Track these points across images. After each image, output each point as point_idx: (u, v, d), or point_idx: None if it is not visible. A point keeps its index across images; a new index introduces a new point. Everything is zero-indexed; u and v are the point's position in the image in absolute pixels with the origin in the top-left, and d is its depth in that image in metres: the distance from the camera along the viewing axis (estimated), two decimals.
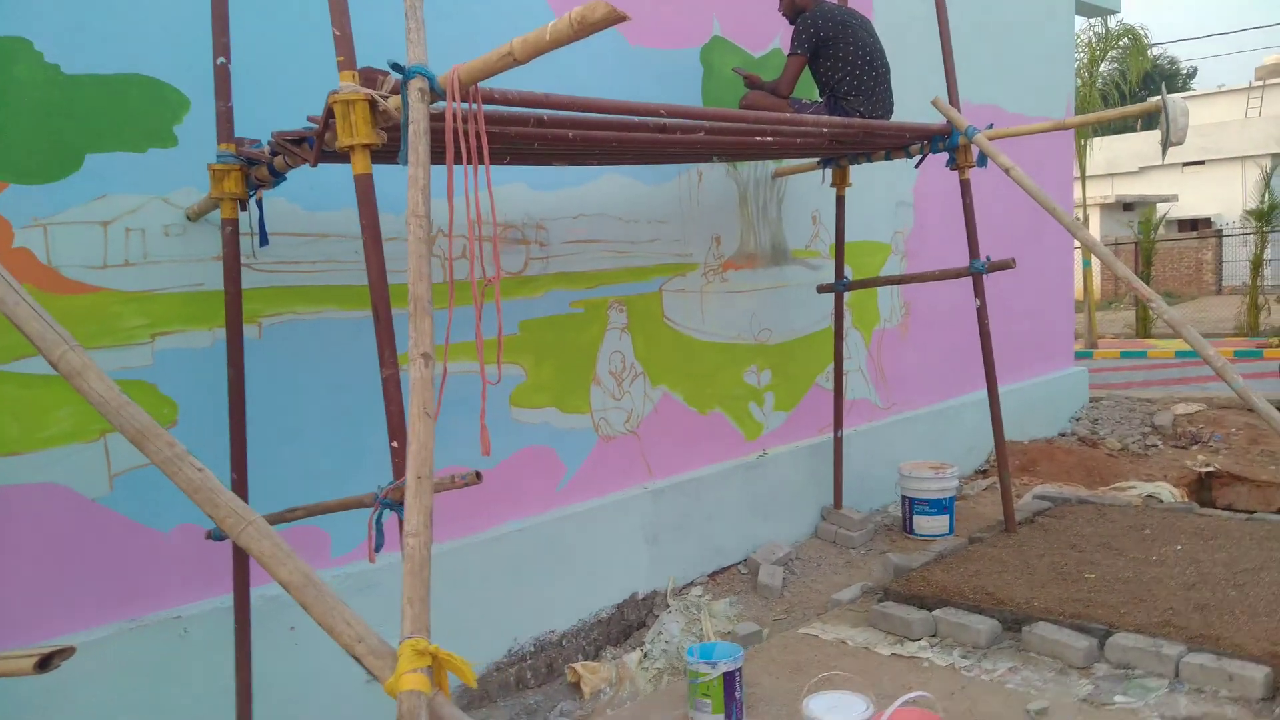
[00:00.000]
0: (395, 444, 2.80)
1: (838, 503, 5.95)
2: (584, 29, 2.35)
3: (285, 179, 3.30)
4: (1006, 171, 4.67)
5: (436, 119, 2.71)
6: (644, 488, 5.01)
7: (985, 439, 7.45)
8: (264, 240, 3.40)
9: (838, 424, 5.85)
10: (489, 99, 3.04)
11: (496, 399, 4.40)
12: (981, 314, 5.20)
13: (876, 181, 6.38)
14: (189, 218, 3.45)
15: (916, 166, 5.32)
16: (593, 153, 3.96)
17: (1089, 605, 4.07)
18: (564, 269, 4.64)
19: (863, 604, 4.66)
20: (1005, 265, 5.03)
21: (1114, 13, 9.53)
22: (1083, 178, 15.01)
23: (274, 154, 3.09)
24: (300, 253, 3.77)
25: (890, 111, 4.94)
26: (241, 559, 3.31)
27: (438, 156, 2.70)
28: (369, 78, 2.77)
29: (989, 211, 7.11)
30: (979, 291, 5.18)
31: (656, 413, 5.11)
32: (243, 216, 3.39)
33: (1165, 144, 4.30)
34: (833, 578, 5.43)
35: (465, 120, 2.68)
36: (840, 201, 5.58)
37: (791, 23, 4.85)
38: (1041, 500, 5.96)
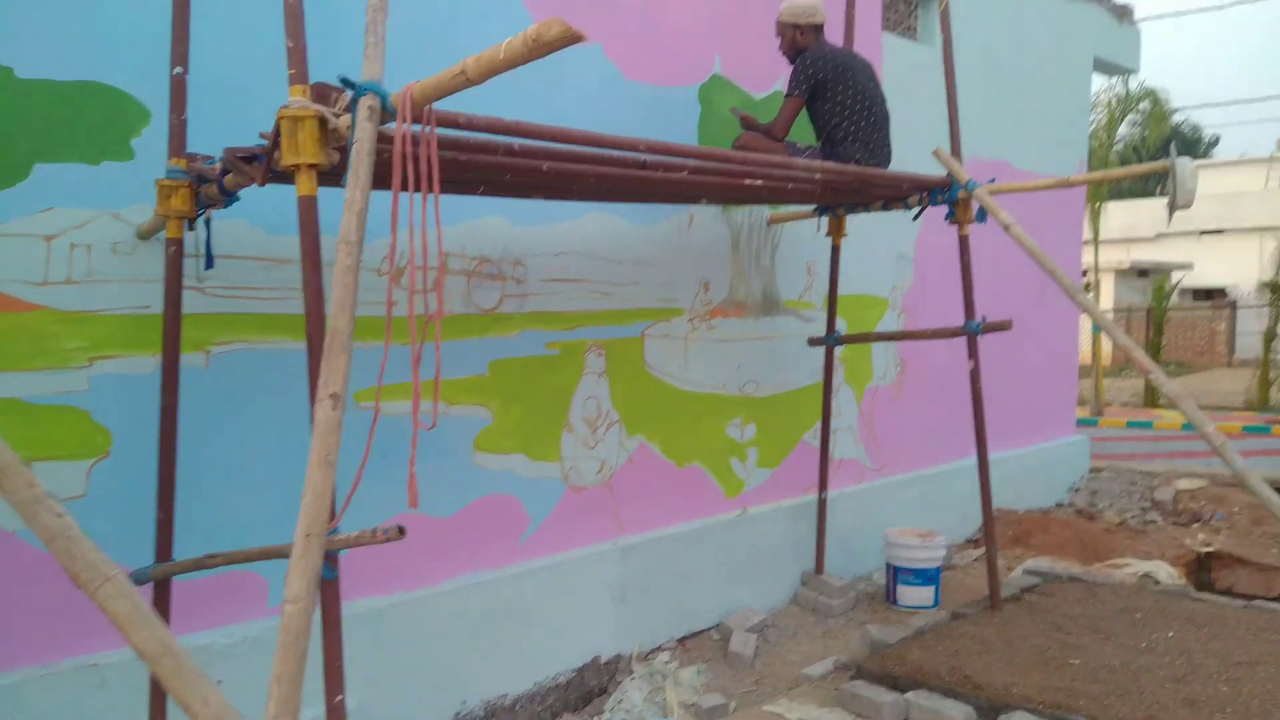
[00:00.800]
0: None
1: (819, 568, 5.71)
2: (539, 48, 2.18)
3: (238, 199, 3.12)
4: (1006, 229, 4.49)
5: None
6: (614, 543, 4.78)
7: (977, 506, 7.21)
8: (209, 263, 3.21)
9: (822, 485, 5.62)
10: (453, 123, 2.88)
11: (459, 442, 4.20)
12: (974, 377, 4.99)
13: (876, 233, 6.20)
14: (140, 236, 3.28)
15: (915, 219, 5.15)
16: (571, 187, 3.79)
17: (1071, 695, 3.81)
18: (541, 308, 4.45)
19: (835, 680, 4.40)
20: (1001, 327, 4.83)
21: (1132, 72, 9.40)
22: (1095, 241, 14.85)
23: (224, 172, 2.92)
24: (259, 278, 3.58)
25: (888, 160, 4.77)
26: (161, 606, 3.09)
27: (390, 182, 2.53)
28: (322, 94, 2.60)
29: (993, 270, 6.93)
30: (973, 353, 4.97)
31: (631, 463, 4.89)
32: (194, 237, 3.22)
33: (1172, 206, 4.11)
34: (809, 648, 5.17)
35: (417, 143, 2.51)
36: (835, 252, 5.40)
37: (791, 63, 4.70)
38: (1031, 575, 5.70)
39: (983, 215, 4.72)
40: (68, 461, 3.18)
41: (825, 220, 5.37)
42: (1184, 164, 4.07)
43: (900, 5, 6.60)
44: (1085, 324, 16.07)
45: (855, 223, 5.74)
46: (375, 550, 3.85)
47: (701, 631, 5.21)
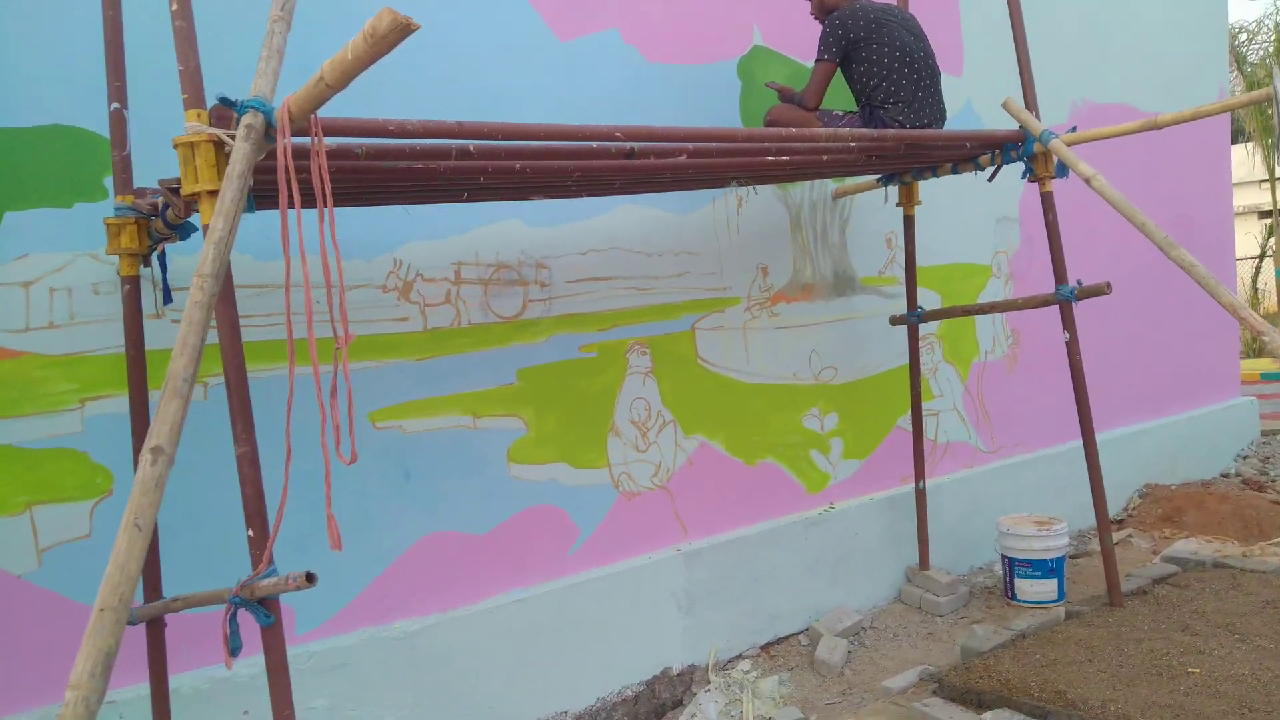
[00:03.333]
0: (251, 532, 2.45)
1: (923, 563, 5.24)
2: (378, 43, 1.95)
3: (196, 229, 3.04)
4: (1087, 181, 3.93)
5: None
6: (676, 549, 4.50)
7: (1122, 482, 6.53)
8: (168, 298, 3.15)
9: (919, 474, 5.15)
10: (383, 131, 2.69)
11: (491, 456, 4.03)
12: (1072, 349, 4.42)
13: (971, 196, 5.65)
14: (147, 268, 3.25)
15: (990, 180, 4.60)
16: (566, 184, 3.53)
17: (1180, 713, 3.28)
18: (570, 310, 4.22)
19: (916, 694, 3.98)
20: (1097, 291, 4.25)
21: None
22: (1273, 179, 13.24)
23: (165, 205, 2.83)
24: (250, 305, 3.51)
25: (940, 120, 4.27)
26: (156, 640, 3.05)
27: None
28: (223, 116, 2.46)
29: (1118, 220, 6.22)
30: (1068, 323, 4.40)
31: (691, 465, 4.60)
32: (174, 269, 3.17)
33: (1277, 146, 3.46)
34: (909, 652, 4.73)
35: (298, 157, 2.33)
36: (909, 222, 4.91)
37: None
38: (1169, 564, 5.05)
39: (1062, 169, 4.17)
40: (70, 503, 3.19)
41: (894, 190, 4.90)
42: None
43: None
44: (1268, 268, 14.48)
45: (945, 186, 5.24)
46: (409, 571, 3.77)
47: (789, 636, 4.86)
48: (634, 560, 4.37)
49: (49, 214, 3.15)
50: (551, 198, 3.80)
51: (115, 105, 2.91)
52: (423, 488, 3.86)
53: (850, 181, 5.02)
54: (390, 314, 3.78)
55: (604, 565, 4.29)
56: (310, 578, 2.22)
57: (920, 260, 5.41)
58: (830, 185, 5.08)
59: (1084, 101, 6.25)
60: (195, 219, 2.96)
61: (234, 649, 2.44)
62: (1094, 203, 5.96)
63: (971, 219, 5.73)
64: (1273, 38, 13.02)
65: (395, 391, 3.79)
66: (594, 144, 3.18)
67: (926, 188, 5.09)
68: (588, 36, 4.25)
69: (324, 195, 2.30)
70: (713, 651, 4.54)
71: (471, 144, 2.93)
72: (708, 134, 3.36)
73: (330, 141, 2.70)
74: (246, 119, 2.27)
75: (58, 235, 3.16)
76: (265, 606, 2.42)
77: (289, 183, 2.28)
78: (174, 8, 2.42)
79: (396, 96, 3.73)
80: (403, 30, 1.87)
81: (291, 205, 2.27)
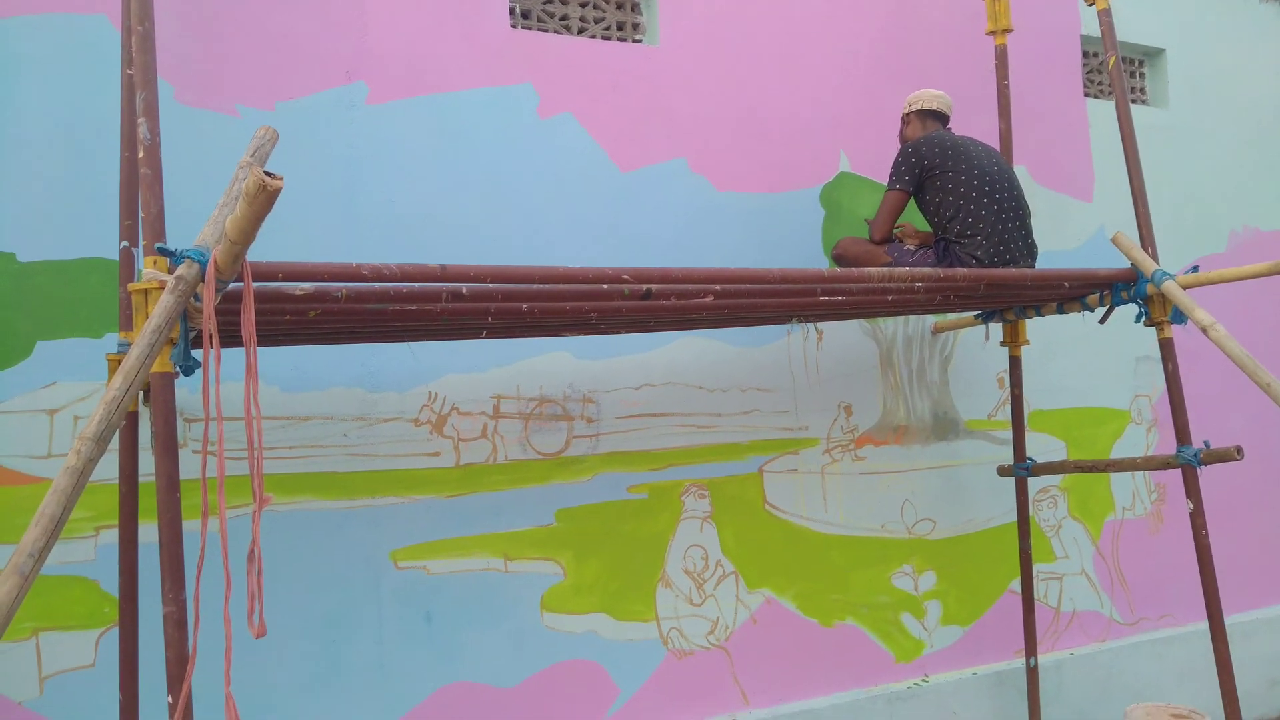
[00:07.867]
0: (171, 699, 2.31)
1: None
2: (252, 202, 1.88)
3: (197, 364, 3.02)
4: (1204, 330, 3.42)
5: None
6: (733, 718, 4.09)
7: None
8: None
9: (1030, 648, 4.51)
10: (356, 276, 2.61)
11: (523, 602, 3.80)
12: (1196, 521, 3.80)
13: (1104, 331, 5.05)
14: (146, 404, 3.28)
15: (1102, 322, 4.09)
16: (589, 323, 3.35)
17: None
18: (619, 448, 3.98)
19: None
20: (1226, 457, 3.64)
21: None
22: None
23: None
24: (275, 437, 3.47)
25: (1030, 258, 3.82)
26: None
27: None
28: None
29: None
30: (1191, 491, 3.80)
31: (755, 623, 4.20)
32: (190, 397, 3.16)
33: None
34: None
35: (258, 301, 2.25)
36: (1014, 363, 4.41)
37: None
38: None
39: (1179, 315, 3.64)
40: (76, 631, 3.18)
41: (997, 328, 4.43)
42: None
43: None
44: None
45: (1073, 322, 4.71)
46: None
47: None
48: None
49: (79, 344, 3.22)
50: (585, 334, 3.62)
51: (125, 243, 2.96)
52: (445, 633, 3.67)
53: (951, 316, 4.60)
54: (421, 449, 3.67)
55: None
56: None
57: (1041, 403, 4.89)
58: (929, 319, 4.67)
59: (1246, 229, 5.57)
60: (198, 354, 2.95)
61: None
62: (1257, 335, 5.26)
63: (1104, 357, 5.13)
64: None
65: (421, 529, 3.65)
66: (604, 286, 2.98)
67: (1049, 321, 4.60)
68: (652, 166, 4.10)
69: (246, 345, 2.20)
70: None
71: (464, 287, 2.80)
72: (732, 275, 3.10)
73: (306, 285, 2.63)
74: (180, 269, 2.21)
75: (85, 365, 3.22)
76: None
77: (212, 336, 2.19)
78: (140, 154, 2.41)
79: (444, 226, 3.69)
80: (262, 189, 1.76)
81: (221, 346, 2.18)
